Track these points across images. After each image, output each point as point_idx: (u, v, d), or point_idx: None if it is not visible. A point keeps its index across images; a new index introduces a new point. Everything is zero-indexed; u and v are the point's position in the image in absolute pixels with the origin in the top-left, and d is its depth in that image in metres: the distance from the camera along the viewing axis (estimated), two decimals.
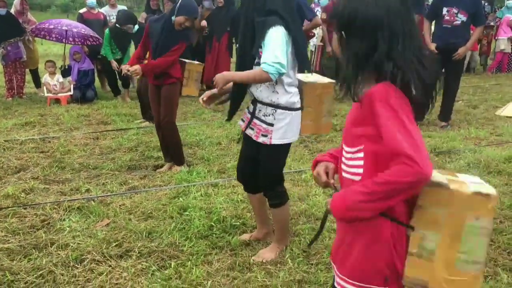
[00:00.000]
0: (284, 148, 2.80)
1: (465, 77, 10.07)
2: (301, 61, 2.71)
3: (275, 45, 2.48)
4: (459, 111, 7.10)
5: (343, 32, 1.46)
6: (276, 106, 2.66)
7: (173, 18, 4.10)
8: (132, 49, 7.16)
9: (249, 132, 2.79)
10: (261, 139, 2.72)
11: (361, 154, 1.47)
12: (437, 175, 1.38)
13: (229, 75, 2.69)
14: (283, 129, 2.69)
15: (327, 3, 8.58)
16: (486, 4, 15.28)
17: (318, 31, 8.12)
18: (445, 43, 5.82)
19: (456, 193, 1.33)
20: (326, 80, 3.13)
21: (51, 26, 8.08)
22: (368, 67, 1.40)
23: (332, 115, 3.60)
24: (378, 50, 1.37)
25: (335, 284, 1.56)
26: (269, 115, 2.68)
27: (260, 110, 2.71)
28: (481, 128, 6.18)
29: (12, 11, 8.33)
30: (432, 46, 5.78)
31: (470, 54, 10.54)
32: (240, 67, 2.72)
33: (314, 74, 3.14)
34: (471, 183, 1.39)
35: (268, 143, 2.70)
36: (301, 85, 2.83)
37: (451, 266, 1.36)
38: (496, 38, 11.43)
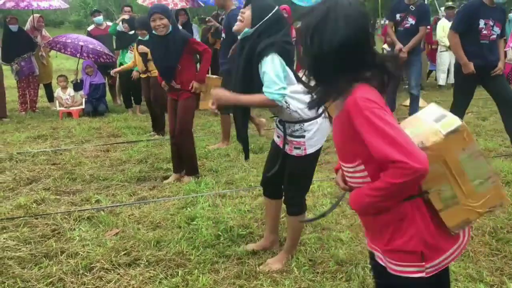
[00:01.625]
0: (315, 155, 2.84)
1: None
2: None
3: (272, 72, 2.58)
4: (468, 123, 7.03)
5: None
6: (302, 121, 2.73)
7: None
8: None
9: (285, 147, 2.84)
10: (295, 152, 2.78)
11: (361, 167, 1.53)
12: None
13: (234, 99, 2.72)
14: (315, 137, 2.76)
15: None
16: None
17: None
18: (485, 61, 4.99)
19: (435, 145, 1.47)
20: None
21: (68, 40, 8.31)
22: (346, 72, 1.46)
23: None
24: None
25: (379, 262, 1.62)
26: (297, 130, 2.75)
27: (289, 128, 2.78)
28: (490, 139, 6.15)
29: (27, 27, 8.54)
30: (471, 66, 4.98)
31: None
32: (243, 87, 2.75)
33: None
34: (434, 122, 1.52)
35: (303, 154, 2.77)
36: None
37: (474, 195, 1.54)
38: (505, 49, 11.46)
